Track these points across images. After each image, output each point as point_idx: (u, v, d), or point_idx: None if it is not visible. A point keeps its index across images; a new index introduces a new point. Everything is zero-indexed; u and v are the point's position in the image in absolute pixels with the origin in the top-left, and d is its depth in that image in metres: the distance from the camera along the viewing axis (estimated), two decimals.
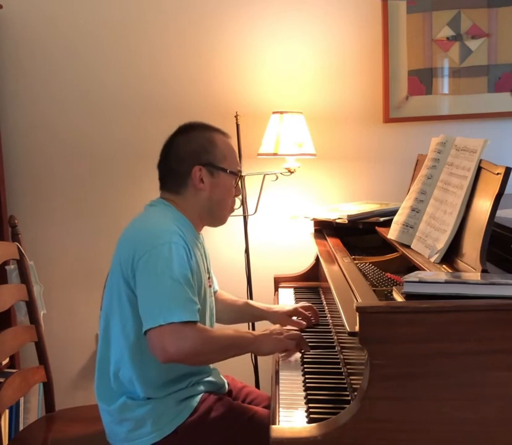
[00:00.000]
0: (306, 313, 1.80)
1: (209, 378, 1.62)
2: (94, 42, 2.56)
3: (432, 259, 1.40)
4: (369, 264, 1.70)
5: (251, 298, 2.43)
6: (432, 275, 1.21)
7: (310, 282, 2.25)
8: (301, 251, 2.48)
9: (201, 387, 1.58)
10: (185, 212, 1.61)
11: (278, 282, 2.28)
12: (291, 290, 2.21)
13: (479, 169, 1.39)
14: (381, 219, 1.97)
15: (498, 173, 1.28)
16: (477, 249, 1.25)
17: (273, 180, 2.43)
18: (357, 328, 1.08)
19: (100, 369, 1.57)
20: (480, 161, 1.39)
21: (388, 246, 1.76)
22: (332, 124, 2.51)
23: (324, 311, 1.93)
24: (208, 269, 1.70)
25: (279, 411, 1.26)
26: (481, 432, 1.08)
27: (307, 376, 1.44)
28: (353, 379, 1.34)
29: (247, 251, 2.46)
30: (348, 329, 1.13)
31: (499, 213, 1.29)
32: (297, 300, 2.07)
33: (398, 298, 1.20)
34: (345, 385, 1.37)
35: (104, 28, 2.55)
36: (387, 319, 1.07)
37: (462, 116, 2.44)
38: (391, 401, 1.07)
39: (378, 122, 2.49)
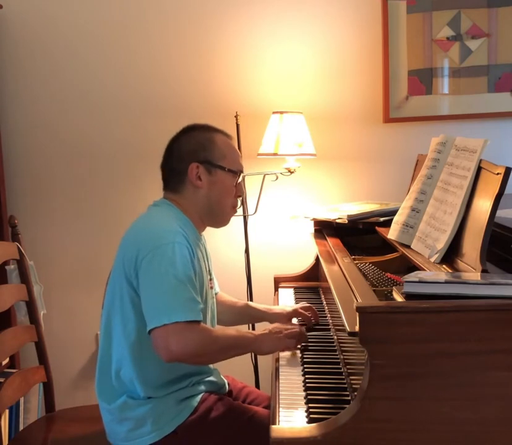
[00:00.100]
0: (306, 313, 1.80)
1: (210, 378, 1.63)
2: (94, 42, 2.56)
3: (432, 259, 1.40)
4: (369, 264, 1.70)
5: (251, 298, 2.43)
6: (432, 275, 1.21)
7: (310, 282, 2.25)
8: (301, 251, 2.48)
9: (202, 387, 1.58)
10: (187, 212, 1.62)
11: (278, 282, 2.28)
12: (291, 290, 2.21)
13: (479, 169, 1.39)
14: (381, 219, 1.97)
15: (498, 173, 1.28)
16: (477, 249, 1.25)
17: (273, 180, 2.43)
18: (357, 328, 1.08)
19: (101, 368, 1.57)
20: (480, 161, 1.39)
21: (388, 246, 1.76)
22: (332, 124, 2.51)
23: (324, 311, 1.93)
24: (209, 270, 1.70)
25: (279, 411, 1.26)
26: (481, 432, 1.08)
27: (307, 376, 1.44)
28: (353, 379, 1.34)
29: (247, 251, 2.46)
30: (348, 329, 1.13)
31: (499, 213, 1.29)
32: (297, 300, 2.07)
33: (398, 298, 1.20)
34: (345, 385, 1.37)
35: (104, 28, 2.55)
36: (387, 319, 1.07)
37: (462, 116, 2.44)
38: (391, 401, 1.07)
39: (378, 122, 2.49)
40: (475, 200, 1.37)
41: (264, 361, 2.39)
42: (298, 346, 1.63)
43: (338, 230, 2.13)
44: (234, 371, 1.91)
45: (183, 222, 1.58)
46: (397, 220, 1.71)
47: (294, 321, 1.81)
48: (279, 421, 1.21)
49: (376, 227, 1.94)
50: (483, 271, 1.21)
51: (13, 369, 2.40)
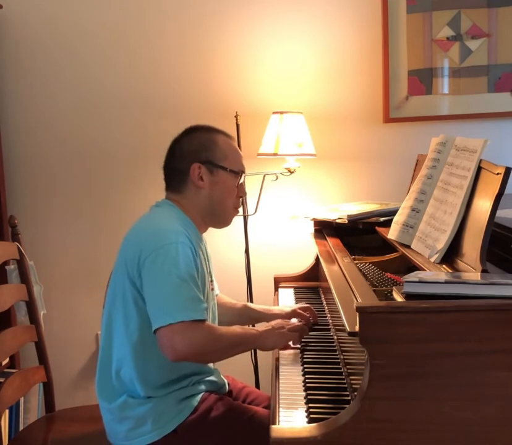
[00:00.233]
0: (305, 313, 1.80)
1: (210, 378, 1.63)
2: (94, 42, 2.56)
3: (432, 259, 1.40)
4: (369, 264, 1.70)
5: (251, 298, 2.43)
6: (432, 275, 1.21)
7: (310, 282, 2.25)
8: (301, 251, 2.48)
9: (202, 387, 1.59)
10: (189, 213, 1.62)
11: (278, 282, 2.28)
12: (291, 290, 2.21)
13: (479, 169, 1.39)
14: (381, 219, 1.97)
15: (498, 173, 1.28)
16: (477, 249, 1.25)
17: (273, 180, 2.43)
18: (357, 328, 1.08)
19: (101, 367, 1.58)
20: (480, 161, 1.39)
21: (388, 246, 1.76)
22: (332, 124, 2.51)
23: (324, 311, 1.93)
24: (210, 272, 1.70)
25: (279, 411, 1.26)
26: (481, 432, 1.08)
27: (307, 376, 1.44)
28: (353, 379, 1.34)
29: (247, 251, 2.46)
30: (348, 329, 1.13)
31: (499, 213, 1.29)
32: (297, 300, 2.07)
33: (398, 298, 1.20)
34: (345, 385, 1.37)
35: (104, 28, 2.55)
36: (387, 319, 1.07)
37: (462, 116, 2.44)
38: (391, 401, 1.07)
39: (378, 122, 2.49)
40: (475, 200, 1.37)
41: (264, 361, 2.39)
42: (300, 343, 1.64)
43: (338, 230, 2.13)
44: (234, 371, 1.91)
45: (185, 222, 1.59)
46: (397, 220, 1.71)
47: (293, 321, 1.81)
48: (279, 421, 1.21)
49: (376, 227, 1.95)
50: (483, 271, 1.21)
51: (13, 369, 2.40)
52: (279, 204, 2.55)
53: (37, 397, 2.40)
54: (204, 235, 1.72)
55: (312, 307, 1.85)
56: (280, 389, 1.39)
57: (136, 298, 1.49)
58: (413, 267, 1.43)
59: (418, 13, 2.41)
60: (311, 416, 1.22)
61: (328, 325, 1.80)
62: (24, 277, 1.96)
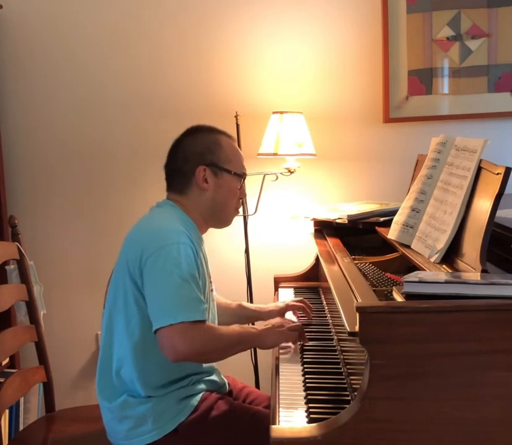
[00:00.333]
0: (299, 304, 1.82)
1: (210, 377, 1.63)
2: (94, 42, 2.56)
3: (432, 259, 1.40)
4: (369, 264, 1.70)
5: (251, 298, 2.43)
6: (432, 275, 1.21)
7: (310, 282, 2.25)
8: (301, 251, 2.48)
9: (202, 386, 1.59)
10: (190, 214, 1.63)
11: (278, 282, 2.28)
12: (291, 290, 2.21)
13: (479, 169, 1.39)
14: (381, 219, 1.97)
15: (498, 173, 1.28)
16: (477, 249, 1.25)
17: (273, 180, 2.43)
18: (357, 328, 1.08)
19: (102, 366, 1.58)
20: (480, 161, 1.39)
21: (388, 246, 1.76)
22: (332, 124, 2.51)
23: (324, 311, 1.94)
24: (209, 273, 1.71)
25: (279, 411, 1.26)
26: (481, 432, 1.08)
27: (307, 376, 1.44)
28: (353, 379, 1.34)
29: (247, 251, 2.46)
30: (348, 329, 1.13)
31: (499, 213, 1.29)
32: None
33: (398, 298, 1.20)
34: (345, 385, 1.37)
35: (104, 28, 2.55)
36: (387, 319, 1.07)
37: (462, 116, 2.44)
38: (391, 401, 1.07)
39: (378, 122, 2.49)
40: (475, 200, 1.37)
41: (264, 361, 2.40)
42: (299, 341, 1.65)
43: (338, 230, 2.13)
44: (234, 371, 1.91)
45: (187, 223, 1.59)
46: (397, 220, 1.71)
47: (289, 315, 1.81)
48: (279, 421, 1.21)
49: (376, 227, 1.95)
50: (483, 271, 1.21)
51: (13, 369, 2.40)
52: (279, 204, 2.55)
53: (37, 397, 2.40)
54: (204, 235, 1.72)
55: (306, 300, 1.86)
56: (280, 389, 1.39)
57: (138, 298, 1.50)
58: (413, 267, 1.43)
59: (418, 13, 2.41)
60: (311, 416, 1.22)
61: (328, 325, 1.80)
62: (24, 277, 1.96)
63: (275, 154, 2.30)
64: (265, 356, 2.27)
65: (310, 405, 1.28)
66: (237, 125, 2.39)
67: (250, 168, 2.39)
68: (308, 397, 1.32)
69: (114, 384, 1.55)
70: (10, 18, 2.56)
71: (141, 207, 1.71)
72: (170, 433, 1.49)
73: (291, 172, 2.37)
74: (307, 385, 1.39)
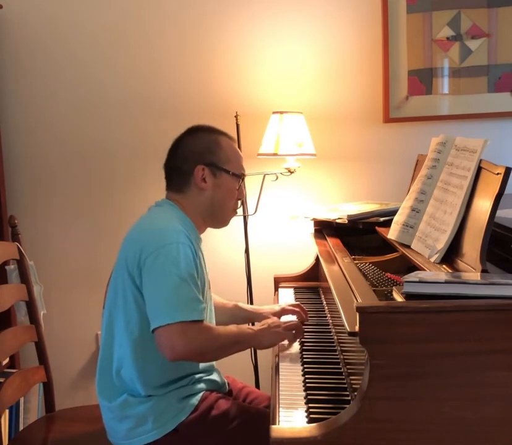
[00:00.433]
0: (294, 309, 1.81)
1: (210, 377, 1.64)
2: (94, 42, 2.56)
3: (432, 259, 1.40)
4: (369, 264, 1.70)
5: (251, 298, 2.43)
6: (432, 275, 1.21)
7: (310, 282, 2.25)
8: (301, 251, 2.48)
9: (202, 385, 1.59)
10: (189, 213, 1.63)
11: (278, 282, 2.28)
12: (291, 290, 2.21)
13: (479, 169, 1.39)
14: (381, 219, 1.97)
15: (498, 173, 1.28)
16: (477, 249, 1.25)
17: (273, 180, 2.43)
18: (357, 328, 1.08)
19: (102, 366, 1.58)
20: (480, 161, 1.39)
21: (388, 246, 1.76)
22: (332, 124, 2.51)
23: (324, 311, 1.93)
24: (207, 272, 1.71)
25: (279, 411, 1.26)
26: (481, 432, 1.08)
27: (307, 376, 1.44)
28: (353, 379, 1.34)
29: (247, 251, 2.46)
30: (348, 329, 1.13)
31: (499, 213, 1.29)
32: (297, 300, 2.07)
33: (398, 298, 1.20)
34: (345, 385, 1.37)
35: (104, 28, 2.55)
36: (387, 319, 1.07)
37: (462, 116, 2.44)
38: (391, 401, 1.07)
39: (378, 122, 2.49)
40: (475, 200, 1.37)
41: (264, 361, 2.39)
42: (297, 339, 1.66)
43: (338, 230, 2.13)
44: (234, 371, 1.91)
45: (185, 222, 1.59)
46: (397, 220, 1.71)
47: (284, 318, 1.81)
48: (279, 421, 1.21)
49: (376, 227, 1.95)
50: (483, 271, 1.21)
51: (13, 369, 2.40)
52: (279, 204, 2.55)
53: (37, 397, 2.40)
54: (204, 235, 1.72)
55: (302, 305, 1.86)
56: (280, 389, 1.39)
57: (137, 297, 1.50)
58: (413, 267, 1.43)
59: (418, 13, 2.41)
60: (311, 416, 1.22)
61: (328, 325, 1.80)
62: (24, 277, 1.96)
63: (275, 154, 2.30)
64: (265, 356, 2.27)
65: (310, 405, 1.28)
66: (237, 125, 2.39)
67: (250, 168, 2.40)
68: (308, 397, 1.32)
69: (114, 384, 1.55)
70: (10, 18, 2.56)
71: (141, 207, 1.71)
72: (170, 432, 1.49)
73: (291, 172, 2.37)
74: (307, 385, 1.39)
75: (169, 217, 1.58)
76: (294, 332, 1.64)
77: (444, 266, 1.35)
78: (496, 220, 1.31)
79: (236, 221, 2.43)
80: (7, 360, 2.37)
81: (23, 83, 2.60)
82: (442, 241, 1.40)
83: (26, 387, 1.85)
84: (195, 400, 1.54)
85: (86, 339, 2.66)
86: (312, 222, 2.25)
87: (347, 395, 1.32)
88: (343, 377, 1.42)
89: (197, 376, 1.59)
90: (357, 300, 1.25)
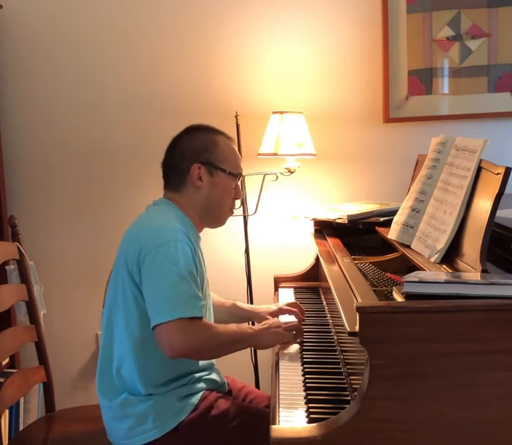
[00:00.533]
0: (291, 309, 1.81)
1: (210, 376, 1.64)
2: (94, 42, 2.56)
3: (432, 259, 1.40)
4: (369, 264, 1.70)
5: (251, 298, 2.43)
6: (432, 275, 1.21)
7: (310, 282, 2.25)
8: (301, 251, 2.48)
9: (202, 385, 1.60)
10: (187, 212, 1.64)
11: (278, 282, 2.28)
12: (291, 290, 2.21)
13: (479, 169, 1.39)
14: (381, 219, 1.97)
15: (498, 173, 1.28)
16: (477, 249, 1.25)
17: (273, 180, 2.43)
18: (357, 328, 1.08)
19: (102, 365, 1.59)
20: (480, 161, 1.39)
21: (388, 246, 1.76)
22: (332, 124, 2.51)
23: (324, 311, 1.94)
24: (206, 271, 1.71)
25: (279, 411, 1.26)
26: (481, 432, 1.08)
27: (307, 376, 1.44)
28: (353, 379, 1.34)
29: (247, 251, 2.46)
30: (348, 329, 1.13)
31: (499, 213, 1.29)
32: (297, 300, 2.07)
33: (398, 298, 1.20)
34: (345, 385, 1.37)
35: (104, 28, 2.55)
36: (387, 319, 1.07)
37: (462, 116, 2.44)
38: (391, 401, 1.07)
39: (378, 122, 2.49)
40: (475, 200, 1.37)
41: (264, 361, 2.39)
42: (297, 340, 1.66)
43: (338, 230, 2.13)
44: (234, 371, 1.91)
45: (184, 220, 1.60)
46: (397, 220, 1.71)
47: (281, 318, 1.82)
48: (279, 421, 1.21)
49: (376, 227, 1.94)
50: (483, 271, 1.21)
51: (13, 369, 2.40)
52: (279, 204, 2.55)
53: (37, 397, 2.40)
54: (203, 236, 1.72)
55: (301, 304, 1.86)
56: (280, 388, 1.39)
57: (136, 296, 1.51)
58: (413, 267, 1.43)
59: (418, 13, 2.41)
60: (311, 416, 1.22)
61: (328, 325, 1.80)
62: (24, 277, 1.96)
63: (275, 154, 2.30)
64: (265, 356, 2.27)
65: (310, 405, 1.28)
66: (237, 125, 2.39)
67: (250, 168, 2.42)
68: (308, 397, 1.32)
69: (114, 383, 1.56)
70: (10, 18, 2.56)
71: (141, 207, 1.71)
72: (170, 431, 1.49)
73: (291, 172, 2.37)
74: (307, 385, 1.39)
75: (167, 216, 1.59)
76: (294, 333, 1.64)
77: (444, 266, 1.35)
78: (496, 220, 1.31)
79: (236, 221, 2.43)
80: (7, 360, 2.37)
81: (23, 83, 2.60)
82: (442, 241, 1.40)
83: (26, 387, 1.85)
84: (195, 399, 1.55)
85: (86, 339, 2.66)
86: (312, 222, 2.25)
87: (347, 395, 1.32)
88: (343, 377, 1.42)
89: (197, 375, 1.60)
90: (357, 300, 1.25)
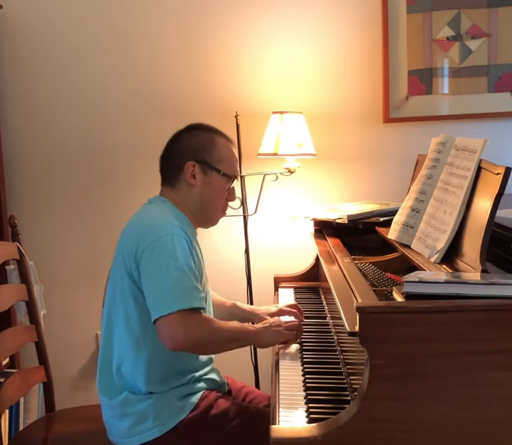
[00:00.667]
0: (291, 310, 1.81)
1: (210, 376, 1.64)
2: (94, 42, 2.56)
3: (432, 259, 1.40)
4: (369, 264, 1.70)
5: (251, 298, 2.43)
6: (432, 275, 1.21)
7: (310, 282, 2.25)
8: (301, 251, 2.48)
9: (202, 385, 1.60)
10: (181, 208, 1.65)
11: (278, 282, 2.28)
12: (291, 290, 2.21)
13: (479, 169, 1.39)
14: (381, 219, 1.97)
15: (498, 173, 1.28)
16: (477, 249, 1.25)
17: (273, 180, 2.43)
18: (357, 328, 1.08)
19: (102, 363, 1.59)
20: (480, 161, 1.39)
21: (388, 246, 1.76)
22: (332, 124, 2.51)
23: (324, 311, 1.94)
24: (204, 266, 1.71)
25: (279, 411, 1.26)
26: (481, 432, 1.08)
27: (307, 376, 1.44)
28: (353, 379, 1.34)
29: (247, 251, 2.46)
30: (348, 329, 1.13)
31: (499, 213, 1.29)
32: (297, 300, 2.07)
33: (398, 298, 1.20)
34: (345, 385, 1.37)
35: (104, 28, 2.55)
36: (387, 319, 1.07)
37: (462, 116, 2.44)
38: (391, 401, 1.07)
39: (378, 122, 2.49)
40: (475, 200, 1.36)
41: (264, 360, 2.39)
42: (297, 340, 1.66)
43: (338, 230, 2.13)
44: (234, 371, 1.91)
45: (179, 216, 1.61)
46: (397, 220, 1.71)
47: (282, 319, 1.82)
48: (279, 421, 1.21)
49: (376, 227, 1.94)
50: (483, 271, 1.21)
51: (13, 369, 2.40)
52: (279, 204, 2.55)
53: (37, 397, 2.40)
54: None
55: (302, 305, 1.86)
56: (280, 388, 1.39)
57: (135, 293, 1.51)
58: (413, 267, 1.43)
59: (418, 13, 2.41)
60: (311, 416, 1.22)
61: (328, 325, 1.80)
62: (24, 277, 1.96)
63: (275, 154, 2.30)
64: (265, 356, 2.27)
65: (310, 405, 1.28)
66: (237, 125, 2.38)
67: (250, 168, 2.42)
68: (308, 397, 1.32)
69: (114, 381, 1.56)
70: (10, 18, 2.56)
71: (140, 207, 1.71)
72: (170, 431, 1.50)
73: (291, 172, 2.37)
74: (307, 385, 1.39)
75: (162, 212, 1.60)
76: (294, 332, 1.64)
77: (444, 266, 1.35)
78: (496, 220, 1.31)
79: (236, 221, 2.43)
80: (7, 360, 2.37)
81: (23, 83, 2.60)
82: (442, 241, 1.40)
83: (26, 387, 1.85)
84: (195, 398, 1.55)
85: (86, 339, 2.66)
86: (312, 222, 2.25)
87: (347, 395, 1.32)
88: (343, 377, 1.42)
89: (197, 374, 1.60)
90: (357, 300, 1.25)
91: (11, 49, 2.58)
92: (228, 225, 2.48)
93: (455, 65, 2.41)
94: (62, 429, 1.79)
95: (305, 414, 1.24)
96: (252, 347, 2.34)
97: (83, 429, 1.74)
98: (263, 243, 2.56)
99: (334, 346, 1.63)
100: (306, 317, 1.85)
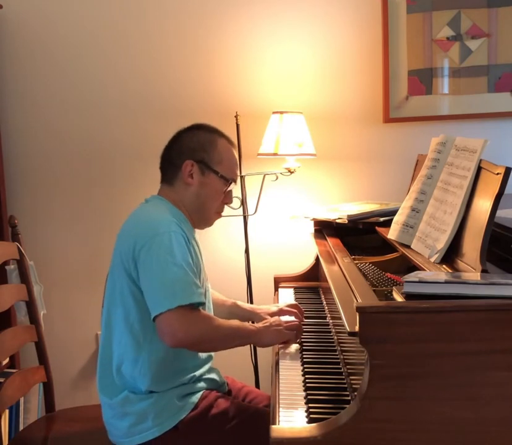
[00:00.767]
0: (292, 310, 1.81)
1: (210, 375, 1.64)
2: (94, 42, 2.56)
3: (432, 259, 1.40)
4: (369, 264, 1.70)
5: (251, 298, 2.43)
6: (432, 275, 1.21)
7: (310, 282, 2.25)
8: (301, 251, 2.48)
9: (202, 384, 1.61)
10: (178, 206, 1.65)
11: (278, 282, 2.28)
12: (291, 290, 2.21)
13: (479, 169, 1.39)
14: (381, 219, 1.97)
15: (498, 173, 1.28)
16: (477, 249, 1.25)
17: (273, 180, 2.43)
18: (357, 328, 1.08)
19: (102, 363, 1.59)
20: (480, 161, 1.39)
21: (388, 246, 1.76)
22: (332, 124, 2.51)
23: (324, 311, 1.94)
24: (203, 263, 1.71)
25: (279, 411, 1.26)
26: (481, 432, 1.08)
27: (307, 376, 1.44)
28: (353, 379, 1.34)
29: (247, 251, 2.46)
30: (348, 329, 1.13)
31: (499, 213, 1.29)
32: (297, 300, 2.07)
33: (398, 298, 1.20)
34: (345, 385, 1.37)
35: (104, 28, 2.55)
36: (387, 319, 1.07)
37: (462, 116, 2.44)
38: (391, 401, 1.07)
39: (378, 122, 2.49)
40: (475, 200, 1.37)
41: (264, 360, 2.39)
42: (297, 340, 1.66)
43: (338, 230, 2.13)
44: (234, 371, 1.91)
45: (176, 214, 1.62)
46: (397, 220, 1.71)
47: (283, 318, 1.81)
48: (279, 421, 1.21)
49: (376, 227, 1.94)
50: (483, 271, 1.21)
51: (13, 369, 2.40)
52: (279, 204, 2.55)
53: (37, 397, 2.40)
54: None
55: (302, 305, 1.86)
56: (280, 388, 1.39)
57: (134, 292, 1.51)
58: (413, 267, 1.43)
59: (418, 13, 2.41)
60: (311, 416, 1.22)
61: (328, 325, 1.80)
62: (24, 277, 1.96)
63: (275, 154, 2.30)
64: (265, 356, 2.27)
65: (310, 405, 1.28)
66: (237, 125, 2.38)
67: (250, 168, 2.42)
68: (308, 397, 1.32)
69: (114, 381, 1.56)
70: (10, 18, 2.56)
71: None
72: (170, 430, 1.50)
73: (291, 172, 2.37)
74: (307, 385, 1.39)
75: (158, 210, 1.60)
76: (294, 332, 1.64)
77: (444, 266, 1.35)
78: (496, 220, 1.31)
79: (236, 221, 2.43)
80: (7, 360, 2.37)
81: (23, 83, 2.60)
82: (442, 241, 1.40)
83: (26, 387, 1.85)
84: (195, 398, 1.56)
85: (86, 339, 2.66)
86: (312, 222, 2.25)
87: (347, 395, 1.32)
88: (343, 377, 1.42)
89: (197, 374, 1.60)
90: (357, 300, 1.25)
91: (11, 49, 2.58)
92: (228, 225, 2.48)
93: (455, 65, 2.41)
94: (62, 429, 1.79)
95: (305, 414, 1.24)
96: (252, 346, 2.34)
97: (83, 429, 1.74)
98: (263, 243, 2.56)
99: (334, 346, 1.63)
100: (306, 317, 1.85)
